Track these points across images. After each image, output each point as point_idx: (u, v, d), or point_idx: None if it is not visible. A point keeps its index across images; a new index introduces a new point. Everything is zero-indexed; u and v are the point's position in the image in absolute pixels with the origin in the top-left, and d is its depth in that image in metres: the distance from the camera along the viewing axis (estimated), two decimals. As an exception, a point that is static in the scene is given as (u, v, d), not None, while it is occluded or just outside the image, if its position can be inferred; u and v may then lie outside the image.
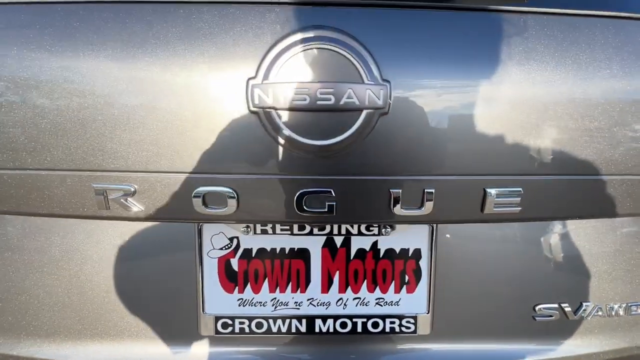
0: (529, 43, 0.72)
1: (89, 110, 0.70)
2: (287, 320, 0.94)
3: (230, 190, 0.75)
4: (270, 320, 0.94)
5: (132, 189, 0.75)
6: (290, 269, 0.92)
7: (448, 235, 0.89)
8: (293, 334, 0.94)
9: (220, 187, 0.74)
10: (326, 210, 0.77)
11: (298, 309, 0.94)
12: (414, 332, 0.94)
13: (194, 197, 0.75)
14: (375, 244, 0.92)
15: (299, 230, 0.91)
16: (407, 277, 0.92)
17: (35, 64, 0.69)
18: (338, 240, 0.92)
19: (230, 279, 0.92)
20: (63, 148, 0.71)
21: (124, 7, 0.68)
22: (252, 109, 0.69)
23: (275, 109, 0.69)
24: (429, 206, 0.77)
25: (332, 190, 0.76)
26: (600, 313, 0.94)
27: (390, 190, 0.76)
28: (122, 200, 0.75)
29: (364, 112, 0.70)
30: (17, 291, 0.88)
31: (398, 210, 0.78)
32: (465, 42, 0.72)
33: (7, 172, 0.74)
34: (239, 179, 0.74)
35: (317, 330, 0.94)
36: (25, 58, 0.69)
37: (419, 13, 0.72)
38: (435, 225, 0.88)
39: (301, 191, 0.75)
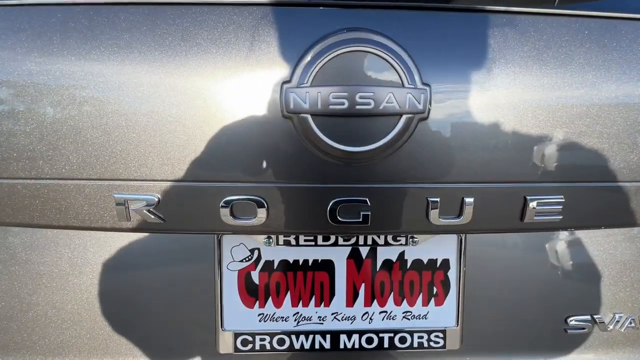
0: (571, 47, 0.70)
1: (111, 116, 0.66)
2: (311, 336, 0.89)
3: (260, 200, 0.71)
4: (293, 336, 0.89)
5: (156, 199, 0.70)
6: (313, 282, 0.88)
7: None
8: (317, 350, 0.90)
9: (250, 196, 0.70)
10: (360, 220, 0.73)
11: (322, 323, 0.90)
12: (443, 347, 0.90)
13: (222, 207, 0.70)
14: (402, 254, 0.88)
15: (324, 240, 0.87)
16: (435, 289, 0.89)
17: (56, 68, 0.65)
18: (364, 251, 0.88)
19: (251, 292, 0.88)
20: (83, 156, 0.67)
21: (152, 9, 0.65)
22: (286, 114, 0.66)
23: (312, 114, 0.65)
24: (467, 215, 0.74)
25: (367, 199, 0.72)
26: (633, 325, 0.92)
27: (428, 198, 0.73)
28: (144, 210, 0.70)
29: (404, 117, 0.67)
30: (24, 308, 0.83)
31: (435, 219, 0.75)
32: (507, 46, 0.69)
33: (22, 182, 0.69)
34: (270, 187, 0.70)
35: (341, 346, 0.90)
36: (45, 62, 0.65)
37: (459, 15, 0.70)
38: (464, 234, 0.85)
39: (335, 200, 0.72)
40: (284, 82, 0.66)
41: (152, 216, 0.71)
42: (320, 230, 0.75)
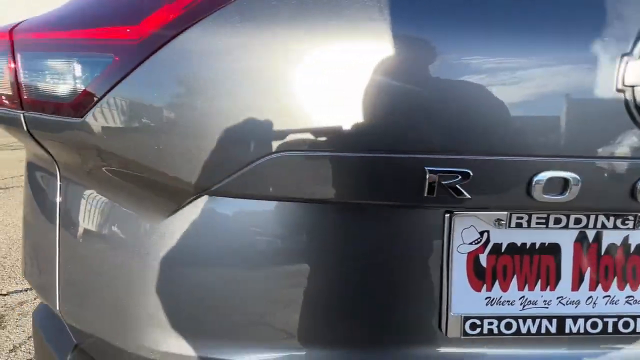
0: None
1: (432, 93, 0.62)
2: (537, 320, 0.88)
3: (575, 176, 0.68)
4: (520, 320, 0.87)
5: (470, 174, 0.67)
6: (539, 265, 0.86)
7: None
8: (543, 335, 0.88)
9: (563, 172, 0.68)
10: None
11: (547, 307, 0.88)
12: (666, 331, 0.90)
13: (536, 183, 0.67)
14: (626, 238, 0.87)
15: (555, 223, 0.85)
16: (658, 274, 0.89)
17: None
18: (590, 235, 0.87)
19: (479, 276, 0.85)
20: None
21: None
22: (621, 87, 0.63)
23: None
24: None
25: None
26: None
27: None
28: (456, 186, 0.67)
29: None
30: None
31: None
32: None
33: (334, 155, 0.64)
34: (584, 162, 0.68)
35: (567, 330, 0.88)
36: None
37: None
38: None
39: None
40: (624, 55, 0.63)
41: (461, 191, 0.68)
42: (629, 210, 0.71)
